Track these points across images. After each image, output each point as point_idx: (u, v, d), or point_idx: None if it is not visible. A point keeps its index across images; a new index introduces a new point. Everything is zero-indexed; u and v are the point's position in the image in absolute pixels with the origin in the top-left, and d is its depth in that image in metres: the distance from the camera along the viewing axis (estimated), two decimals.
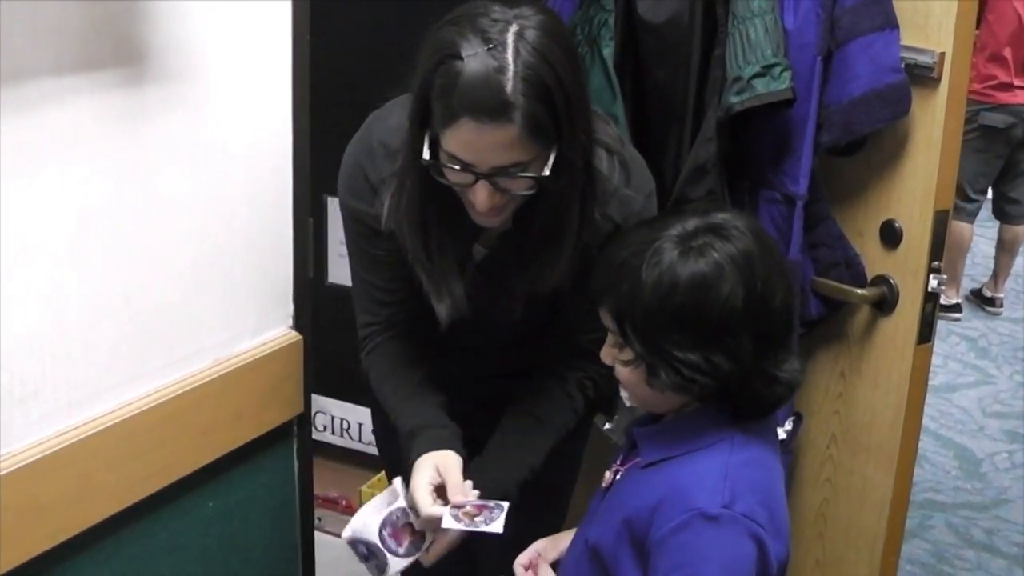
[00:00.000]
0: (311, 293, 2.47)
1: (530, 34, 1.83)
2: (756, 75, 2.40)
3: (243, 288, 2.30)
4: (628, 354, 1.79)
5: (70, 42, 1.84)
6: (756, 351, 1.74)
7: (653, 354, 1.75)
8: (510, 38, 1.82)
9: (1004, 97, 5.91)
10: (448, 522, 1.98)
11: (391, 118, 2.07)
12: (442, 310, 2.08)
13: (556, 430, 2.23)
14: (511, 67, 1.81)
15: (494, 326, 2.21)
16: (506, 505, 2.01)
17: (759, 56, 2.40)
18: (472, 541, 2.08)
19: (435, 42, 1.87)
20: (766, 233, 1.83)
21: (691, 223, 1.77)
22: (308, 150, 2.37)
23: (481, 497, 2.05)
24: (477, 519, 1.98)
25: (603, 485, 1.98)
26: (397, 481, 2.09)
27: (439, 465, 2.05)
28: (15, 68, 1.77)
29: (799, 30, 2.45)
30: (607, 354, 1.87)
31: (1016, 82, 5.92)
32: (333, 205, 3.45)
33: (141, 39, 1.95)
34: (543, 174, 1.89)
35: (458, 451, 2.10)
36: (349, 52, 3.36)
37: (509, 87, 1.80)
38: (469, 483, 2.05)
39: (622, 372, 1.84)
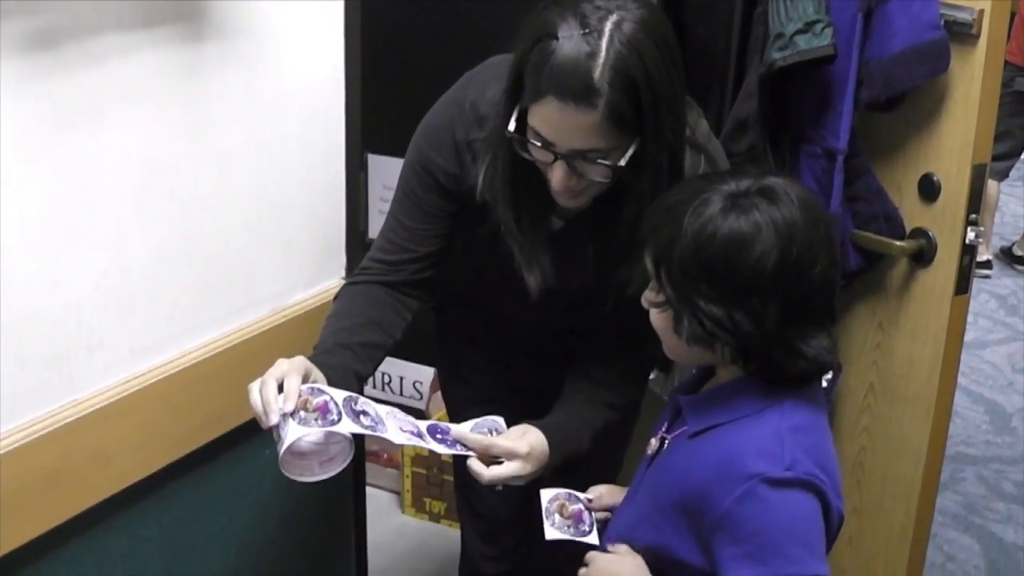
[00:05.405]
0: (362, 245, 2.50)
1: (628, 26, 1.85)
2: (798, 32, 2.41)
3: (297, 240, 2.34)
4: (660, 297, 1.80)
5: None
6: (782, 319, 1.72)
7: (681, 301, 1.75)
8: (608, 27, 1.85)
9: None
10: (297, 431, 1.89)
11: (488, 84, 2.08)
12: (531, 280, 2.10)
13: (620, 393, 2.26)
14: (602, 54, 1.83)
15: (560, 301, 2.21)
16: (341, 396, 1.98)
17: (801, 13, 2.42)
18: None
19: (537, 20, 1.90)
20: (819, 206, 1.80)
21: (744, 182, 1.76)
22: (360, 105, 2.40)
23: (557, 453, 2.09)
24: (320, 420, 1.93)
25: (648, 453, 1.97)
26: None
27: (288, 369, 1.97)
28: (80, 25, 1.80)
29: None
30: (644, 296, 1.87)
31: None
32: (375, 162, 3.47)
33: None
34: (620, 164, 1.92)
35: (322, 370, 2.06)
36: (397, 11, 3.39)
37: (597, 73, 1.83)
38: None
39: (654, 315, 1.84)
